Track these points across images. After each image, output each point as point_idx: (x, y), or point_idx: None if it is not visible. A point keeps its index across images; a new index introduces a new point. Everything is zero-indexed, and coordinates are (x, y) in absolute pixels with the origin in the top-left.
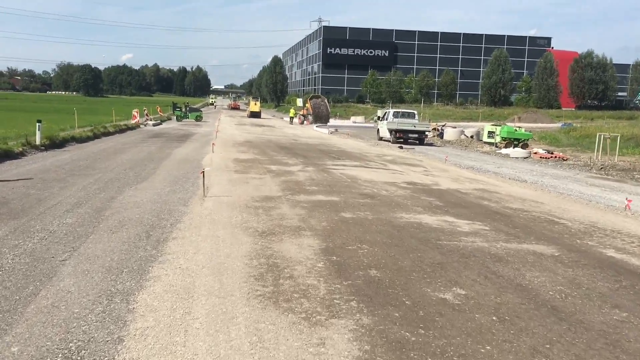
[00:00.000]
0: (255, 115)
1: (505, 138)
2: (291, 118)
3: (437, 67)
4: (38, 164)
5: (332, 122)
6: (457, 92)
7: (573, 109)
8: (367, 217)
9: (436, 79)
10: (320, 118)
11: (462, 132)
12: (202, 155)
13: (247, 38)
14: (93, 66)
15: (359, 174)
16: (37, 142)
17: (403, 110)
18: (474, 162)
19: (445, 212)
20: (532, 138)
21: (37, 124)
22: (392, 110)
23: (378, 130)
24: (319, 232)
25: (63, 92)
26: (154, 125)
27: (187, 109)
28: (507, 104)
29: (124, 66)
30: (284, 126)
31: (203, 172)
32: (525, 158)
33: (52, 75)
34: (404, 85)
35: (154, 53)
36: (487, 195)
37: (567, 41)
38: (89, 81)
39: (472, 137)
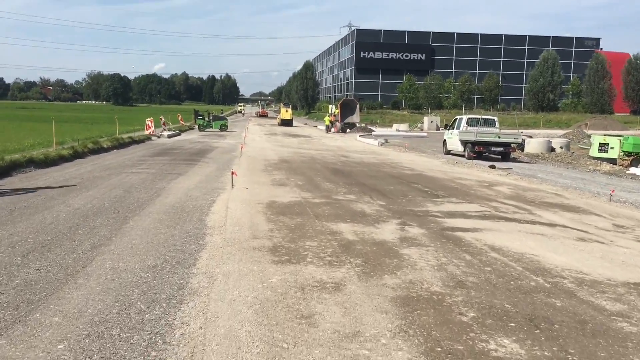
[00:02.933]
0: (286, 123)
1: (631, 152)
2: (327, 127)
3: (477, 71)
4: None
5: (376, 131)
6: (499, 97)
7: (627, 114)
8: None
9: (476, 83)
10: (349, 123)
11: (550, 144)
12: (214, 196)
13: (277, 46)
14: (122, 75)
15: (533, 251)
16: None
17: (480, 117)
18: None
19: None
20: None
21: None
22: (465, 117)
23: (445, 141)
24: None
25: (93, 102)
26: (170, 136)
27: (211, 117)
28: (554, 109)
29: (154, 75)
30: (321, 136)
31: None
32: None
33: (83, 85)
34: (443, 90)
35: (185, 62)
36: None
37: (614, 43)
38: (118, 90)
39: (561, 148)
